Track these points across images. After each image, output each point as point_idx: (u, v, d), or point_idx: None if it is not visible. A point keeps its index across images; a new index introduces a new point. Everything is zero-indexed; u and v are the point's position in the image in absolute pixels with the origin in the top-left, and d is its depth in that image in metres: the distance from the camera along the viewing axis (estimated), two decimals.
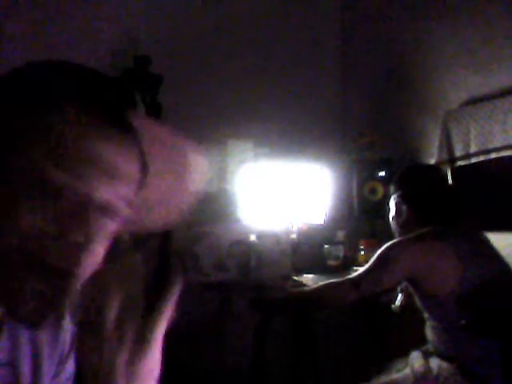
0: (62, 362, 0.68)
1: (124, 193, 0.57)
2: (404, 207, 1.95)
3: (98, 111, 0.55)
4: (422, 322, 1.90)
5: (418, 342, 1.92)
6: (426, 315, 1.86)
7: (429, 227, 1.86)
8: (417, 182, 1.99)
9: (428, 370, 1.75)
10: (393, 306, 2.06)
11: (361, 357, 2.67)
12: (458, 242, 1.80)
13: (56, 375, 0.67)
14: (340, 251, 2.80)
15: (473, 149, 2.48)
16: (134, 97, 0.64)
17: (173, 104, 2.57)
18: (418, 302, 1.88)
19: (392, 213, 2.01)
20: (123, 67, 2.54)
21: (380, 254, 1.84)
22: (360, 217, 2.94)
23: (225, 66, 2.93)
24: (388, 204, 2.05)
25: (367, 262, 1.91)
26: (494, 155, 2.40)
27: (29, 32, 2.42)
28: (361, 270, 1.90)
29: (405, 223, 1.95)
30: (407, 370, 1.81)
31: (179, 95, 2.71)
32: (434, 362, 1.77)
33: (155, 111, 2.47)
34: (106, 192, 0.55)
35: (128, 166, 0.57)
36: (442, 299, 1.75)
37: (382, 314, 2.23)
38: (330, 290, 1.94)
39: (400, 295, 2.06)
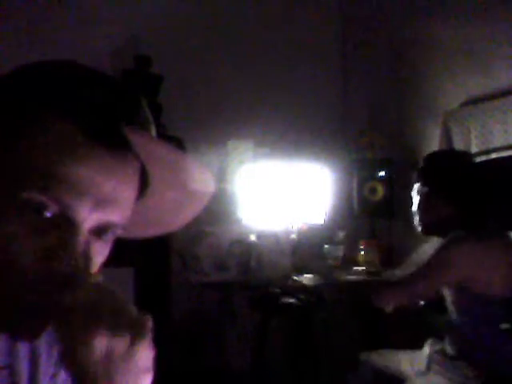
0: (60, 363, 0.68)
1: (117, 217, 0.53)
2: (438, 202, 1.79)
3: (91, 129, 0.49)
4: (420, 323, 1.89)
5: (417, 341, 1.92)
6: (462, 317, 1.75)
7: (470, 226, 1.74)
8: (452, 172, 1.81)
9: (463, 379, 1.68)
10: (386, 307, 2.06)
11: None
12: (507, 245, 1.73)
13: (54, 376, 0.67)
14: (340, 251, 2.81)
15: (473, 149, 2.48)
16: (138, 103, 0.55)
17: (173, 104, 2.57)
18: (453, 300, 1.76)
19: (420, 207, 1.84)
20: (123, 67, 2.54)
21: (437, 254, 1.72)
22: (360, 217, 2.94)
23: (225, 66, 2.93)
24: (411, 197, 1.89)
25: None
26: (494, 155, 2.40)
27: (30, 32, 2.42)
28: (417, 269, 1.80)
29: (440, 217, 1.79)
30: (435, 378, 1.76)
31: (179, 95, 2.72)
32: (465, 369, 1.69)
33: (155, 111, 2.47)
34: (97, 219, 0.52)
35: (122, 190, 0.52)
36: (489, 301, 1.67)
37: (380, 314, 2.23)
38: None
39: None
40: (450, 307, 1.78)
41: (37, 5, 2.46)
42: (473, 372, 1.67)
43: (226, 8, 2.96)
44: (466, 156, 2.00)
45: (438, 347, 1.83)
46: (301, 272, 2.55)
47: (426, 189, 1.82)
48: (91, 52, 2.45)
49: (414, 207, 1.87)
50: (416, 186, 1.87)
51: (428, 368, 1.79)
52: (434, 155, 1.96)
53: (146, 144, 0.51)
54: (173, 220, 0.63)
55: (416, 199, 1.86)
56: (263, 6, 3.09)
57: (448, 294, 1.78)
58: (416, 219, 1.87)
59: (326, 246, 2.82)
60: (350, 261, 2.78)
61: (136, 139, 0.50)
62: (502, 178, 2.39)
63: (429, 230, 1.85)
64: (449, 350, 1.79)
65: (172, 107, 2.55)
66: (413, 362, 1.85)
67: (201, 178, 0.58)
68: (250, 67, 3.00)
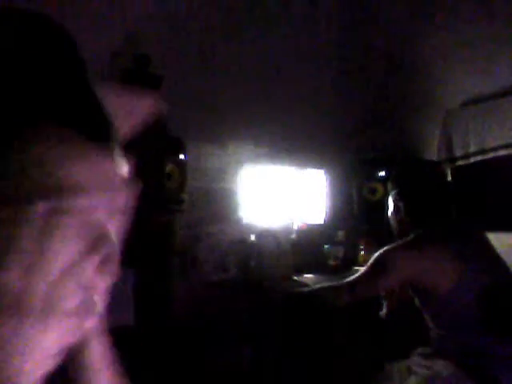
0: None
1: (121, 201, 0.54)
2: (401, 205, 1.95)
3: (90, 132, 0.50)
4: (416, 323, 1.91)
5: (416, 342, 1.92)
6: (426, 316, 1.86)
7: (425, 227, 1.86)
8: (413, 179, 1.98)
9: (436, 372, 1.75)
10: (380, 313, 2.09)
11: (360, 357, 2.67)
12: (457, 244, 1.81)
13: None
14: (340, 251, 2.80)
15: (472, 148, 2.49)
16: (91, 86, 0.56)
17: (173, 104, 2.56)
18: (418, 303, 1.88)
19: (390, 210, 2.01)
20: (123, 67, 2.54)
21: (376, 258, 1.85)
22: (360, 217, 2.94)
23: (225, 66, 2.93)
24: (387, 201, 2.05)
25: (367, 262, 1.92)
26: (491, 154, 2.41)
27: None
28: (358, 273, 1.91)
29: (402, 221, 1.95)
30: (414, 378, 1.80)
31: (179, 95, 2.71)
32: (439, 364, 1.76)
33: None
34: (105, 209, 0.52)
35: (117, 177, 0.53)
36: (441, 300, 1.75)
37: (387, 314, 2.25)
38: (327, 291, 1.98)
39: (385, 303, 2.07)
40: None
41: (36, 6, 2.46)
42: (443, 365, 1.73)
43: (226, 8, 2.96)
44: (434, 168, 2.21)
45: (421, 350, 1.88)
46: (301, 272, 2.55)
47: (396, 196, 1.97)
48: (90, 51, 2.45)
49: (388, 212, 2.03)
50: (390, 193, 2.03)
51: (409, 372, 1.83)
52: (405, 165, 2.18)
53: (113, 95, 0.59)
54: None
55: (389, 205, 2.02)
56: (264, 6, 3.09)
57: (413, 295, 1.89)
58: (390, 223, 2.03)
59: (326, 246, 2.82)
60: (349, 261, 2.78)
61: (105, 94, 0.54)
62: (499, 177, 2.41)
63: (398, 233, 1.98)
64: (428, 349, 1.87)
65: (172, 107, 2.54)
66: (400, 370, 1.89)
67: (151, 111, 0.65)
68: (251, 68, 3.00)
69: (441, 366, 1.75)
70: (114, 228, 0.54)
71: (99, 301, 0.52)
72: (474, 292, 1.72)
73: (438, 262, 1.77)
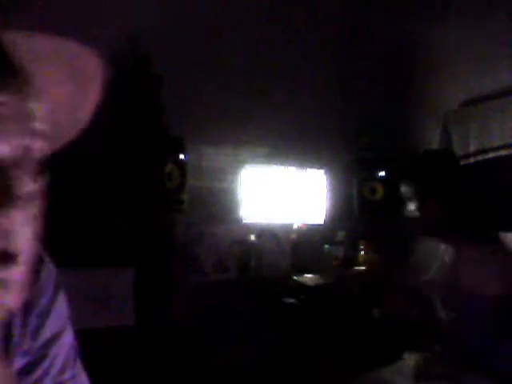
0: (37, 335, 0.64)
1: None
2: (431, 202, 1.75)
3: None
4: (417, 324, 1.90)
5: (409, 344, 1.92)
6: (448, 316, 1.77)
7: (461, 228, 1.74)
8: (448, 174, 1.80)
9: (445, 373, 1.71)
10: (375, 312, 2.08)
11: (356, 357, 2.67)
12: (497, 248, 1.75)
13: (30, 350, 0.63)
14: (340, 251, 2.81)
15: (472, 148, 2.49)
16: None
17: (173, 104, 2.57)
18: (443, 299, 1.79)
19: (416, 206, 1.79)
20: (123, 68, 2.54)
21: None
22: (360, 217, 2.94)
23: (225, 66, 2.93)
24: (402, 193, 1.83)
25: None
26: (491, 154, 2.41)
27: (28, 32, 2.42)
28: None
29: (431, 219, 1.78)
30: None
31: (179, 95, 2.72)
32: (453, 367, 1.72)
33: (155, 111, 2.47)
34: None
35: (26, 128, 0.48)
36: (480, 302, 1.66)
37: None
38: None
39: (384, 303, 2.07)
40: (442, 310, 1.79)
41: (35, 5, 2.46)
42: (469, 374, 1.68)
43: (227, 8, 2.96)
44: (453, 156, 2.03)
45: (421, 358, 1.82)
46: (301, 272, 2.56)
47: (426, 192, 1.77)
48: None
49: (411, 207, 1.81)
50: (411, 186, 1.81)
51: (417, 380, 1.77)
52: (436, 155, 1.94)
53: (27, 41, 0.49)
54: (72, 117, 0.59)
55: (413, 199, 1.80)
56: (265, 7, 3.09)
57: (437, 295, 1.79)
58: (415, 220, 1.82)
59: (326, 246, 2.82)
60: (349, 261, 2.78)
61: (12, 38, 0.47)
62: (499, 177, 2.40)
63: (426, 231, 1.84)
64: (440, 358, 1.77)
65: (172, 107, 2.55)
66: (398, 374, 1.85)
67: (86, 63, 0.54)
68: (251, 68, 3.00)
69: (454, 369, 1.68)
70: (28, 176, 0.48)
71: (22, 247, 0.47)
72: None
73: (483, 263, 1.66)
